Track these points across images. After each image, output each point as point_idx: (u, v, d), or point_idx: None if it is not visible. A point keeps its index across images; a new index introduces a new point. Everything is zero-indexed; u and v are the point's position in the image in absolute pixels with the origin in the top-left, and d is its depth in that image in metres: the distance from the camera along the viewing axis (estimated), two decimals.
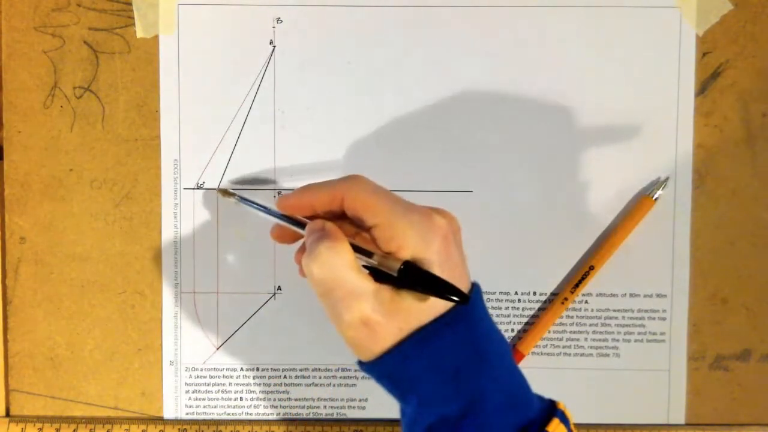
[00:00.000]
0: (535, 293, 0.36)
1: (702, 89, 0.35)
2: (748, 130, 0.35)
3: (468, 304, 0.24)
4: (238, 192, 0.34)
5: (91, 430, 0.36)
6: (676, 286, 0.36)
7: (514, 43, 0.35)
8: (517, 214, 0.36)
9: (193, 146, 0.36)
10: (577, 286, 0.35)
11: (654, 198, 0.35)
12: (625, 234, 0.35)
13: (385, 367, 0.25)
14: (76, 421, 0.36)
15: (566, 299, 0.35)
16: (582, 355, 0.36)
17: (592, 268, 0.35)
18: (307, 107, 0.36)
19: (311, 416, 0.37)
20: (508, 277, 0.36)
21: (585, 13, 0.35)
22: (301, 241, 0.29)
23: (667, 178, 0.35)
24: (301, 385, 0.37)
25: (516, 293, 0.36)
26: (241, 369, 0.37)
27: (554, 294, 0.36)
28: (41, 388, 0.37)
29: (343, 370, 0.37)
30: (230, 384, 0.37)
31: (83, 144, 0.36)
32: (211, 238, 0.36)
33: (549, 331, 0.36)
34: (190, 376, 0.37)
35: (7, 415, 0.37)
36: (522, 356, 0.36)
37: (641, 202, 0.35)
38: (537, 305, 0.36)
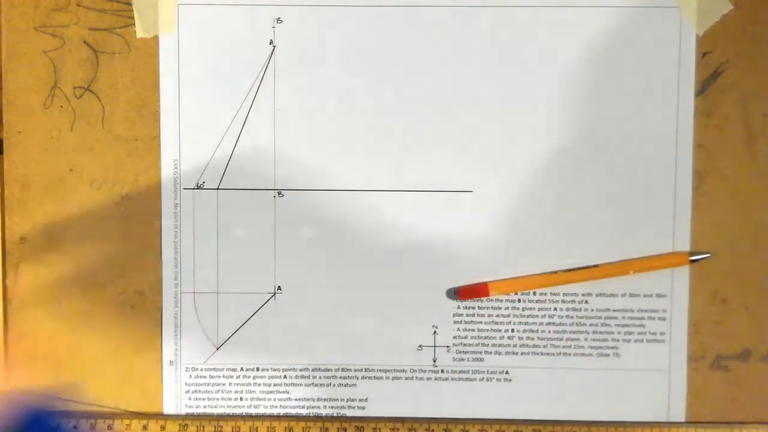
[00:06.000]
0: (535, 293, 0.36)
1: (702, 89, 0.35)
2: (748, 130, 0.35)
3: None
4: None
5: (92, 424, 0.36)
6: (676, 286, 0.36)
7: (514, 42, 0.35)
8: (518, 214, 0.36)
9: (193, 146, 0.36)
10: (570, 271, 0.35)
11: (692, 260, 0.35)
12: (633, 270, 0.35)
13: None
14: (77, 416, 0.36)
15: (556, 272, 0.35)
16: (582, 355, 0.36)
17: (594, 266, 0.35)
18: (307, 107, 0.36)
19: (311, 416, 0.37)
20: (508, 277, 0.36)
21: (584, 13, 0.35)
22: None
23: (708, 255, 0.35)
24: (301, 385, 0.37)
25: (516, 293, 0.36)
26: (241, 369, 0.37)
27: (554, 294, 0.36)
28: (41, 388, 0.37)
29: (343, 370, 0.37)
30: (230, 384, 0.37)
31: (83, 144, 0.36)
32: (211, 238, 0.36)
33: (549, 331, 0.36)
34: (190, 376, 0.37)
35: None
36: (487, 292, 0.35)
37: (675, 256, 0.35)
38: (537, 305, 0.36)
